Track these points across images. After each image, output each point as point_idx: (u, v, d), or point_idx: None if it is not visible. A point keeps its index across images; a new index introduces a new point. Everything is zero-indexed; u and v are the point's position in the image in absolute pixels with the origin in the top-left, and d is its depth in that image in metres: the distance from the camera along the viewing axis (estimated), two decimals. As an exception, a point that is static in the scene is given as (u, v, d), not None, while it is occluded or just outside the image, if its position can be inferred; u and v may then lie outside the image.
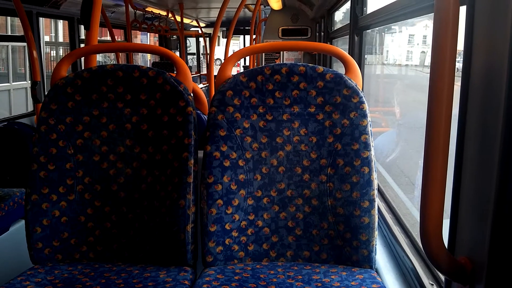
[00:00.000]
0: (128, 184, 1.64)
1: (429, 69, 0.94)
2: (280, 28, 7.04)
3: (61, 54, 11.05)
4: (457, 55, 0.92)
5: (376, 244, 1.53)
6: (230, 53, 5.56)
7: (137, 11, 6.87)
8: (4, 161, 3.33)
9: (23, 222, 2.23)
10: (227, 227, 1.57)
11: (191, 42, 13.19)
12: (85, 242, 1.63)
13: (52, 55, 11.02)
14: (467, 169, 0.98)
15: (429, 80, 0.93)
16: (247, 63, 11.49)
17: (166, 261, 1.60)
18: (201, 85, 9.25)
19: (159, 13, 8.01)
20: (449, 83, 0.90)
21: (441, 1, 0.89)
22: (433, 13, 0.92)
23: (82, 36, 5.54)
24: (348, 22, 3.27)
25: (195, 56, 12.29)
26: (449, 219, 1.05)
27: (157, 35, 10.59)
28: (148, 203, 1.63)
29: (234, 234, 1.58)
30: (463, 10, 0.94)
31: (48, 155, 1.61)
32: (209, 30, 11.64)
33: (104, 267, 1.56)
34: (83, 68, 1.80)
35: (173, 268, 1.55)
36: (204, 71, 11.32)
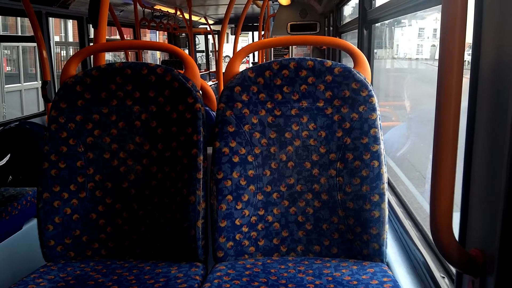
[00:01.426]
0: (138, 181, 1.66)
1: (438, 62, 0.93)
2: (289, 24, 7.01)
3: (71, 54, 11.12)
4: (466, 48, 0.91)
5: (386, 238, 1.53)
6: (238, 49, 5.55)
7: (146, 9, 6.88)
8: (16, 160, 3.37)
9: (36, 220, 2.26)
10: (237, 222, 1.57)
11: (200, 39, 13.19)
12: (97, 239, 1.65)
13: (62, 55, 11.10)
14: (476, 161, 0.98)
15: (437, 73, 0.93)
16: (256, 60, 11.47)
17: (177, 257, 1.61)
18: (210, 83, 9.25)
19: (167, 11, 8.02)
20: (458, 76, 0.90)
21: (448, -8, 0.88)
22: (441, 5, 0.91)
23: (92, 36, 5.57)
24: (357, 16, 3.25)
25: (204, 54, 12.29)
26: (459, 212, 1.05)
27: (166, 33, 10.61)
28: (159, 200, 1.64)
29: (244, 229, 1.59)
30: (471, 1, 0.93)
31: (58, 154, 1.62)
32: (218, 27, 11.64)
33: (116, 264, 1.58)
34: (92, 66, 1.81)
35: (184, 264, 1.56)
36: (213, 68, 11.32)
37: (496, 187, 0.86)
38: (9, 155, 2.67)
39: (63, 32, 11.91)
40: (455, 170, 0.94)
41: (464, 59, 0.91)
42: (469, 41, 0.95)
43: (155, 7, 7.25)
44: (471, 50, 0.99)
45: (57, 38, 11.45)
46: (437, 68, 0.93)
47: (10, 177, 3.31)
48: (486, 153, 0.93)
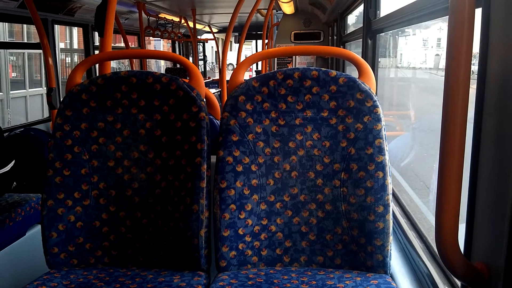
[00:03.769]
0: (142, 189, 1.66)
1: (443, 72, 0.93)
2: (293, 32, 7.04)
3: (76, 61, 11.20)
4: (472, 58, 0.91)
5: (391, 249, 1.52)
6: (242, 57, 5.58)
7: (151, 18, 6.93)
8: (20, 166, 3.37)
9: (39, 227, 2.25)
10: (240, 232, 1.57)
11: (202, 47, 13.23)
12: (100, 247, 1.65)
13: (67, 61, 11.17)
14: (483, 173, 0.97)
15: (444, 83, 0.92)
16: (259, 68, 11.51)
17: (180, 265, 1.60)
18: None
19: (172, 19, 8.07)
20: (465, 85, 0.90)
21: (456, 3, 0.88)
22: (447, 16, 0.91)
23: (97, 43, 5.60)
24: (361, 25, 3.26)
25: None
26: (465, 224, 1.04)
27: (170, 40, 10.66)
28: (162, 208, 1.63)
29: (247, 239, 1.58)
30: (478, 12, 0.93)
31: (63, 161, 1.63)
32: (222, 36, 11.68)
33: (119, 272, 1.57)
34: (97, 74, 1.81)
35: (187, 273, 1.56)
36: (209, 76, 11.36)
37: (503, 199, 0.85)
38: (13, 161, 2.68)
39: (68, 39, 11.99)
40: (461, 181, 0.93)
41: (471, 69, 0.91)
42: (476, 50, 0.95)
43: (159, 16, 7.30)
44: (477, 59, 0.99)
45: (62, 45, 11.53)
46: (441, 77, 0.93)
47: (14, 183, 3.32)
48: (493, 164, 0.93)
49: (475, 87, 0.99)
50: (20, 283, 1.69)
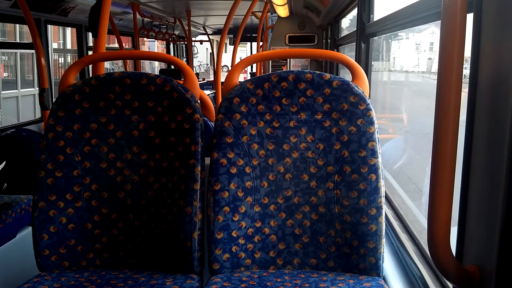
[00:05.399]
0: (135, 191, 1.65)
1: (436, 76, 0.93)
2: (287, 35, 7.05)
3: (69, 61, 11.14)
4: (464, 62, 0.91)
5: (383, 252, 1.52)
6: (237, 60, 5.58)
7: (145, 19, 6.91)
8: (11, 167, 3.35)
9: (30, 229, 2.24)
10: (233, 234, 1.57)
11: (198, 49, 13.23)
12: (92, 249, 1.64)
13: (60, 62, 11.11)
14: (475, 176, 0.98)
15: (436, 87, 0.93)
16: (254, 70, 11.52)
17: (173, 268, 1.59)
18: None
19: (166, 21, 8.05)
20: (457, 89, 0.90)
21: (448, 8, 0.89)
22: (440, 20, 0.92)
23: (90, 43, 5.57)
24: (355, 29, 3.27)
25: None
26: (457, 227, 1.05)
27: (164, 42, 10.64)
28: (155, 210, 1.63)
29: (241, 241, 1.58)
30: (469, 17, 0.94)
31: (55, 162, 1.62)
32: (216, 37, 11.67)
33: (111, 274, 1.56)
34: (91, 75, 1.81)
35: (179, 276, 1.55)
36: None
37: (494, 202, 0.86)
38: (4, 162, 2.67)
39: (61, 39, 11.93)
40: (453, 184, 0.94)
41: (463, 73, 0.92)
42: (468, 55, 0.95)
43: (154, 16, 7.28)
44: (468, 63, 1.00)
45: (55, 45, 11.47)
46: (433, 81, 0.94)
47: (5, 184, 3.29)
48: (484, 167, 0.94)
49: (467, 91, 1.00)
50: (10, 286, 1.67)
